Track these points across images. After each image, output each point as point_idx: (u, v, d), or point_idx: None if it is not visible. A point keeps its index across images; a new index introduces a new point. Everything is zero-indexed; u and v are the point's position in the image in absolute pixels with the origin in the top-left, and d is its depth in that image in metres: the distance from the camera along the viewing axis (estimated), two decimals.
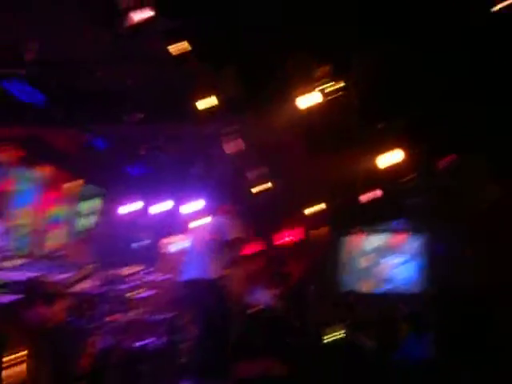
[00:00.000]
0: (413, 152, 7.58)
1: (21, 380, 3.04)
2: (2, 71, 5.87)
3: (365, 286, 11.71)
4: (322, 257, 11.30)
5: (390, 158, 7.53)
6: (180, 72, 5.73)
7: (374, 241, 12.08)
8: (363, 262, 12.05)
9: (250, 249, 9.84)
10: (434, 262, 11.19)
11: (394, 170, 7.84)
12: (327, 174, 8.63)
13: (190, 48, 5.01)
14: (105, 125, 7.01)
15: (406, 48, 5.31)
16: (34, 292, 3.68)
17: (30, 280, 3.86)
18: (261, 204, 9.41)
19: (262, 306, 8.87)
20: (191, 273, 6.35)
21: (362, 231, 12.18)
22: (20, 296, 3.68)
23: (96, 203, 10.84)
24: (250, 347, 7.03)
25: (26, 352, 3.31)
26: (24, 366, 3.26)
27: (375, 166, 7.73)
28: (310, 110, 5.96)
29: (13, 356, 3.35)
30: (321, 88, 5.70)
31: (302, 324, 8.83)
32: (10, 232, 7.94)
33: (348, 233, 12.16)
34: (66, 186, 9.82)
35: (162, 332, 6.51)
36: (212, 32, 5.01)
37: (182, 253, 6.88)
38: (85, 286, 5.15)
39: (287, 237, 12.50)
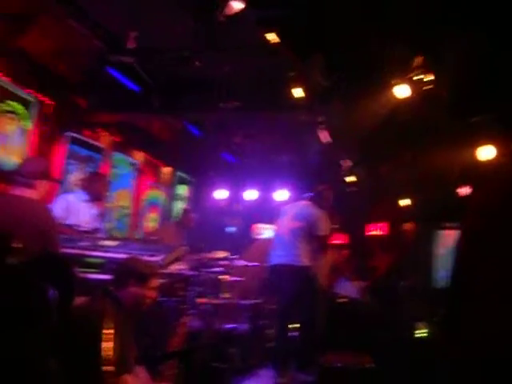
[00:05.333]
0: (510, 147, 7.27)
1: (108, 357, 3.15)
2: (106, 58, 6.12)
3: None
4: (414, 251, 11.03)
5: (485, 153, 7.26)
6: (274, 61, 5.76)
7: None
8: None
9: (337, 239, 9.79)
10: None
11: (488, 164, 7.55)
12: (416, 168, 8.45)
13: (279, 38, 5.03)
14: (200, 112, 7.15)
15: (499, 40, 5.09)
16: (128, 271, 3.79)
17: (124, 259, 3.98)
18: (349, 195, 9.34)
19: (348, 298, 8.83)
20: (279, 259, 6.39)
21: (455, 227, 11.79)
22: (115, 275, 3.81)
23: (188, 189, 11.16)
24: (338, 338, 7.01)
25: (113, 330, 3.42)
26: (111, 344, 3.37)
27: (469, 161, 7.48)
28: (400, 102, 5.84)
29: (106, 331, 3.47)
30: (412, 79, 5.57)
31: (391, 318, 8.68)
32: (109, 214, 8.30)
33: (442, 227, 11.81)
34: (161, 171, 10.15)
35: (250, 316, 6.60)
36: (302, 22, 5.00)
37: (271, 240, 6.92)
38: (177, 267, 5.28)
39: (375, 230, 12.34)
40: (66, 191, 7.16)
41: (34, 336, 2.20)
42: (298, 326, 6.69)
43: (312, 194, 6.84)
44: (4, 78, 6.01)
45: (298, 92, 6.02)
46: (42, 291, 2.26)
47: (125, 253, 4.60)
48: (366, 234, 12.19)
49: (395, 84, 5.54)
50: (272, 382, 6.12)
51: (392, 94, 5.66)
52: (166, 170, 10.39)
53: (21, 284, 2.34)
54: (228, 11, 4.44)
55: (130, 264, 3.82)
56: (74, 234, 5.61)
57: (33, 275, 2.57)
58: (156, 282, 3.91)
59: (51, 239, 3.76)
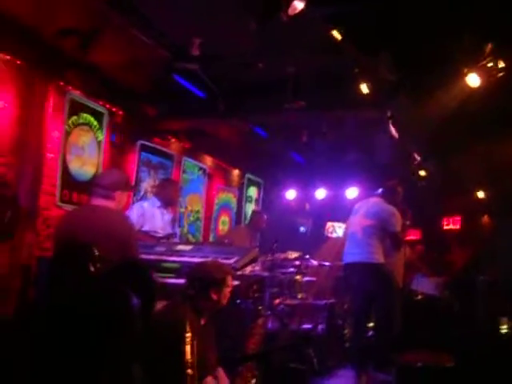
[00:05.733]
0: None
1: (190, 360, 3.20)
2: (172, 66, 6.23)
3: None
4: (491, 244, 10.69)
5: None
6: (338, 58, 5.71)
7: None
8: None
9: (410, 235, 9.61)
10: None
11: None
12: (491, 159, 8.17)
13: (345, 35, 4.97)
14: (266, 114, 7.17)
15: None
16: (207, 280, 3.84)
17: (200, 266, 4.04)
18: (420, 189, 9.14)
19: (425, 295, 8.65)
20: (353, 257, 6.33)
21: None
22: (193, 282, 3.87)
23: (258, 190, 11.21)
24: (415, 335, 6.87)
25: (193, 334, 3.47)
26: (192, 348, 3.41)
27: None
28: (472, 92, 5.67)
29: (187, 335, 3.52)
30: (484, 68, 5.38)
31: (471, 314, 8.45)
32: (181, 219, 8.45)
33: None
34: (230, 174, 10.25)
35: (326, 316, 6.57)
36: (368, 18, 4.92)
37: (343, 238, 6.87)
38: (252, 269, 5.32)
39: (450, 223, 12.04)
40: (140, 198, 7.35)
41: (120, 343, 2.26)
42: (374, 324, 6.61)
43: (382, 190, 6.74)
44: (76, 92, 6.22)
45: (364, 88, 5.94)
46: (126, 298, 2.32)
47: (200, 257, 4.68)
48: (441, 228, 11.90)
49: (466, 73, 5.37)
50: (351, 383, 6.07)
51: (462, 84, 5.49)
52: (236, 173, 10.49)
53: (105, 292, 2.40)
54: (291, 11, 4.42)
55: (207, 272, 3.87)
56: (151, 240, 5.76)
57: (116, 283, 2.63)
58: (231, 282, 3.96)
59: (131, 247, 3.87)
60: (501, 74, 5.29)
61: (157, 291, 3.04)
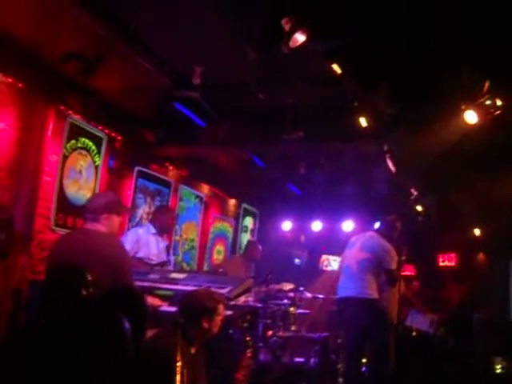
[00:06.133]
0: None
1: None
2: (173, 94, 6.27)
3: None
4: (488, 282, 10.64)
5: None
6: (338, 91, 5.75)
7: None
8: None
9: (406, 271, 9.56)
10: None
11: None
12: (487, 196, 8.19)
13: (344, 68, 5.02)
14: (264, 144, 7.20)
15: None
16: (199, 308, 3.82)
17: (192, 294, 4.01)
18: (417, 224, 9.13)
19: (420, 331, 8.58)
20: (347, 291, 6.29)
21: None
22: (185, 311, 3.84)
23: (254, 221, 11.20)
24: (409, 372, 6.80)
25: (183, 363, 3.44)
26: (182, 377, 3.38)
27: None
28: (470, 128, 5.70)
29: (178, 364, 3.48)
30: (481, 105, 5.43)
31: (466, 352, 8.37)
32: (176, 247, 8.41)
33: None
34: (227, 203, 10.24)
35: (319, 350, 6.49)
36: (366, 51, 4.98)
37: (338, 272, 6.83)
38: (245, 299, 5.27)
39: (446, 260, 12.00)
40: (135, 225, 7.32)
41: (111, 367, 2.22)
42: (367, 360, 6.54)
43: (380, 225, 6.72)
44: (76, 116, 6.24)
45: (363, 121, 5.97)
46: (118, 322, 2.28)
47: (193, 285, 4.63)
48: (437, 264, 11.86)
49: (464, 110, 5.41)
50: None
51: (460, 120, 5.53)
52: (232, 203, 10.48)
53: (97, 315, 2.37)
54: (292, 44, 4.46)
55: (198, 300, 3.85)
56: (145, 267, 5.71)
57: (108, 306, 2.60)
58: (223, 310, 3.93)
59: (124, 272, 3.83)
60: (498, 112, 5.32)
61: (148, 317, 3.00)
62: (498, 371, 8.17)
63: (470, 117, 5.44)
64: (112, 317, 2.30)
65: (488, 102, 5.27)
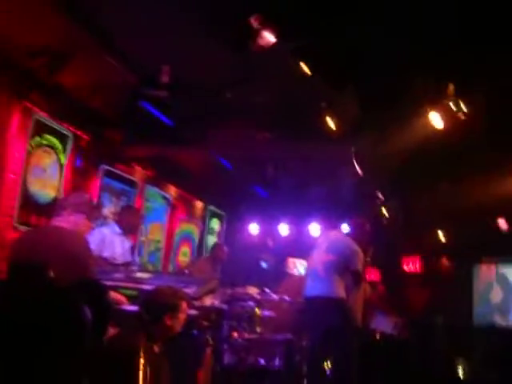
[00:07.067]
0: None
1: None
2: (140, 93, 6.23)
3: (498, 320, 10.99)
4: (449, 286, 10.79)
5: None
6: (306, 91, 5.77)
7: (506, 272, 11.36)
8: (495, 294, 11.34)
9: (370, 274, 9.64)
10: None
11: None
12: (450, 199, 8.31)
13: (311, 68, 5.04)
14: (232, 145, 7.19)
15: None
16: (162, 305, 3.79)
17: (154, 292, 3.98)
18: (382, 228, 9.21)
19: (383, 334, 8.64)
20: (312, 291, 6.30)
21: (493, 261, 11.52)
22: (148, 309, 3.81)
23: (220, 223, 11.17)
24: (372, 375, 6.84)
25: (146, 362, 3.41)
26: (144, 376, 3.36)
27: (505, 191, 7.34)
28: (434, 131, 5.78)
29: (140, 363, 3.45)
30: (446, 108, 5.50)
31: (428, 355, 8.47)
32: (142, 247, 8.33)
33: (477, 262, 11.54)
34: (193, 205, 10.20)
35: (283, 352, 6.48)
36: (334, 52, 5.01)
37: (304, 274, 6.84)
38: (210, 300, 5.25)
39: (410, 264, 12.14)
40: (101, 224, 7.23)
41: (70, 354, 2.19)
42: (331, 361, 6.55)
43: (349, 228, 6.75)
44: (41, 113, 6.14)
45: (330, 123, 6.00)
46: (78, 309, 2.25)
47: (158, 285, 4.59)
48: (401, 268, 11.99)
49: (428, 113, 5.49)
50: None
51: (425, 123, 5.60)
52: (199, 205, 10.43)
53: (57, 302, 2.34)
54: (261, 42, 4.47)
55: (161, 297, 3.83)
56: (109, 266, 5.65)
57: (69, 296, 2.57)
58: (186, 308, 3.91)
59: (86, 268, 3.78)
60: (462, 116, 5.41)
61: (112, 312, 2.97)
62: (460, 373, 8.29)
63: (435, 120, 5.51)
64: (72, 304, 2.27)
65: (452, 105, 5.34)
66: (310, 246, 6.84)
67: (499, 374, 8.07)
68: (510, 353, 8.62)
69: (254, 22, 4.32)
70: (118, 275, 5.03)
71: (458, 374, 8.33)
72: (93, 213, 4.36)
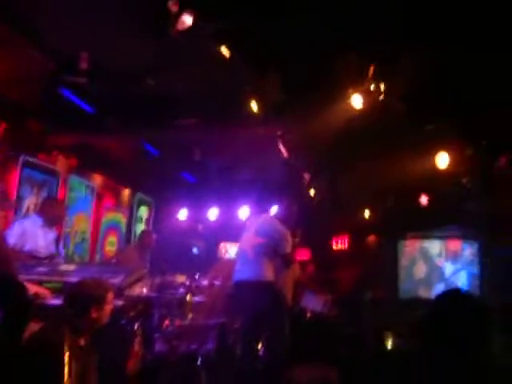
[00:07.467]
0: (466, 154, 7.38)
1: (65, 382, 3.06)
2: (59, 80, 6.02)
3: (422, 293, 11.37)
4: (377, 263, 11.09)
5: (441, 161, 7.35)
6: (229, 75, 5.74)
7: (428, 247, 11.77)
8: (419, 269, 11.74)
9: (300, 254, 9.77)
10: (491, 271, 10.77)
11: (446, 173, 7.65)
12: (375, 179, 8.50)
13: (234, 51, 5.02)
14: (157, 131, 7.07)
15: (455, 48, 5.16)
16: (87, 298, 3.70)
17: (78, 284, 3.89)
18: (310, 208, 9.34)
19: (313, 312, 8.79)
20: (242, 275, 6.33)
21: (417, 237, 11.90)
22: (73, 302, 3.72)
23: (148, 210, 11.02)
24: (304, 353, 6.95)
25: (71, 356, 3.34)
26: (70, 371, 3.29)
27: (426, 170, 7.57)
28: (356, 112, 5.88)
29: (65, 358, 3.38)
30: (367, 89, 5.60)
31: (357, 331, 8.68)
32: (67, 239, 8.12)
33: (402, 239, 11.90)
34: (120, 193, 10.00)
35: (215, 336, 6.49)
36: (256, 35, 5.00)
37: (235, 258, 6.86)
38: (138, 289, 5.19)
39: (338, 243, 12.38)
40: (23, 217, 6.98)
41: None
42: (264, 342, 6.61)
43: (277, 209, 6.79)
44: None
45: (254, 106, 6.00)
46: None
47: (84, 276, 4.49)
48: (331, 247, 12.22)
49: (350, 94, 5.57)
50: None
51: (348, 104, 5.69)
52: (126, 192, 10.24)
53: None
54: (180, 26, 4.40)
55: (86, 289, 3.74)
56: (32, 260, 5.48)
57: None
58: (112, 299, 3.85)
59: (3, 263, 3.63)
60: (382, 97, 5.51)
61: (33, 308, 2.87)
62: (389, 347, 8.53)
63: (356, 101, 5.60)
64: None
65: (372, 87, 5.44)
66: (240, 230, 6.86)
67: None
68: (431, 321, 8.93)
69: (173, 7, 4.24)
70: (41, 269, 4.90)
71: (386, 347, 8.57)
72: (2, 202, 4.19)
